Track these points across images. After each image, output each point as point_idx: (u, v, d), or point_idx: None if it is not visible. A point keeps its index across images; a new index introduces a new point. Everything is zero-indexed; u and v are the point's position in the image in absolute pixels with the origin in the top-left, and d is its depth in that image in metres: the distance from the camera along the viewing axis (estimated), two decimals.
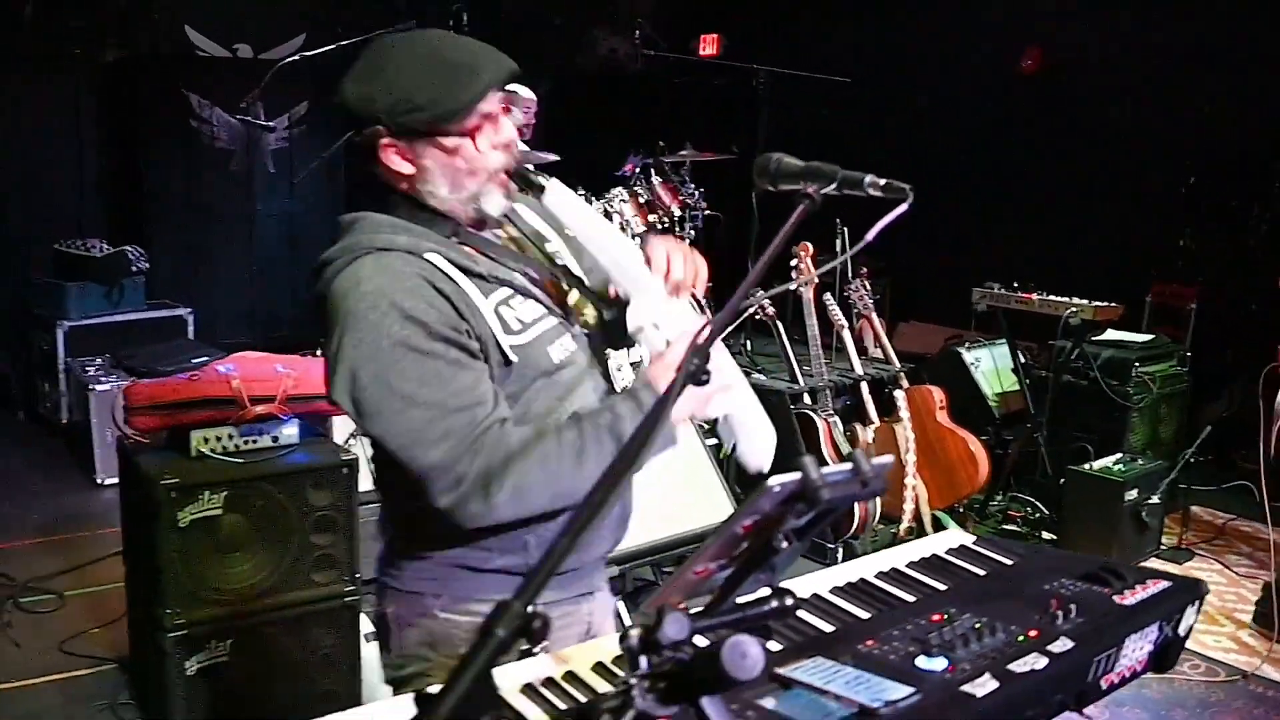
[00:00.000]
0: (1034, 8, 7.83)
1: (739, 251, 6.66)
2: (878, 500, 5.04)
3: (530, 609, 1.11)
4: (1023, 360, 5.82)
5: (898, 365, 5.48)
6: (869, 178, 1.67)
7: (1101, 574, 1.86)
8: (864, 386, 5.40)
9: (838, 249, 6.50)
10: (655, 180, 6.29)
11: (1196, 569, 5.10)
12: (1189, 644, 4.32)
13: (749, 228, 6.59)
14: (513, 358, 1.87)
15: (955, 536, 2.13)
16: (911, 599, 1.79)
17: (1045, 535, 5.35)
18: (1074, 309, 5.23)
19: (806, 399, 5.21)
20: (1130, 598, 1.79)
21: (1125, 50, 7.31)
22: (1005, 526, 5.46)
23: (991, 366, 6.08)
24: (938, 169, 8.23)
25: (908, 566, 1.96)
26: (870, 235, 1.58)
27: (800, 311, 5.42)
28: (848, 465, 1.38)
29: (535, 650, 1.63)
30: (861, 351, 5.71)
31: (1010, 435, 5.83)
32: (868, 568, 1.94)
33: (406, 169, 1.87)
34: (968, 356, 6.17)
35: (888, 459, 1.47)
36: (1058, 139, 7.61)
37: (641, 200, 6.16)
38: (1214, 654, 4.37)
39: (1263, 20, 6.51)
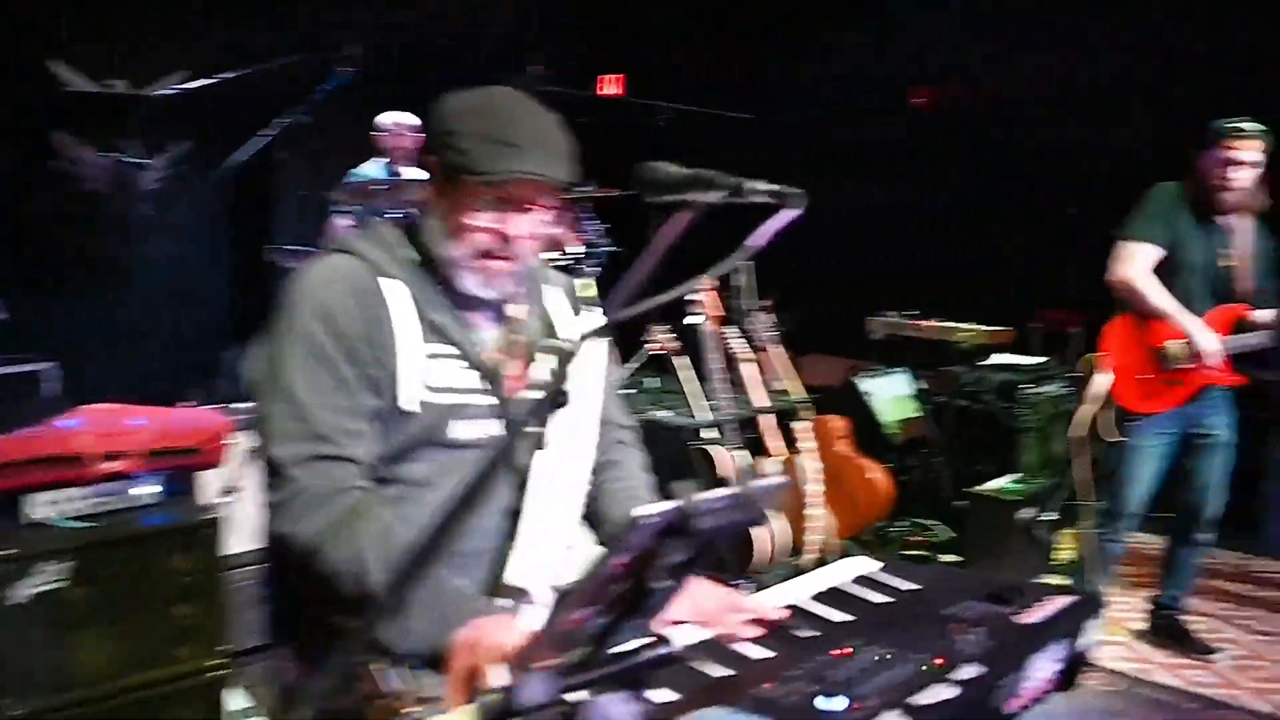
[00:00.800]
0: (928, 45, 7.96)
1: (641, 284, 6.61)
2: (783, 532, 5.03)
3: None
4: (921, 387, 5.88)
5: (801, 397, 5.48)
6: (758, 184, 1.60)
7: (1003, 594, 1.85)
8: (767, 419, 5.39)
9: (735, 282, 6.53)
10: None
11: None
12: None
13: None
14: (409, 408, 1.84)
15: (858, 565, 2.11)
16: (812, 634, 1.75)
17: (946, 558, 5.37)
18: (965, 334, 5.29)
19: (708, 433, 5.17)
20: (1032, 616, 1.78)
21: (1014, 84, 7.47)
22: (906, 552, 5.47)
23: (888, 395, 6.12)
24: (838, 201, 8.33)
25: (810, 600, 1.91)
26: (756, 239, 1.53)
27: (703, 346, 5.39)
28: (728, 490, 1.30)
29: None
30: (764, 385, 5.70)
31: (910, 461, 5.86)
32: (766, 603, 1.89)
33: (433, 195, 1.94)
34: (863, 386, 6.20)
35: (780, 479, 1.42)
36: (951, 171, 7.73)
37: None
38: (1110, 663, 4.42)
39: (1142, 52, 6.69)
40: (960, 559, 5.29)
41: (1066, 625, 1.81)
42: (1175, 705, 4.16)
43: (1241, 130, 4.12)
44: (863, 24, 8.15)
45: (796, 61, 8.65)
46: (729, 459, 5.06)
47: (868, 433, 6.07)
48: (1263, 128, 4.13)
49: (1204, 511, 4.47)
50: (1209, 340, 4.17)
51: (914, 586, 1.96)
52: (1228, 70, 6.32)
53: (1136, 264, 4.26)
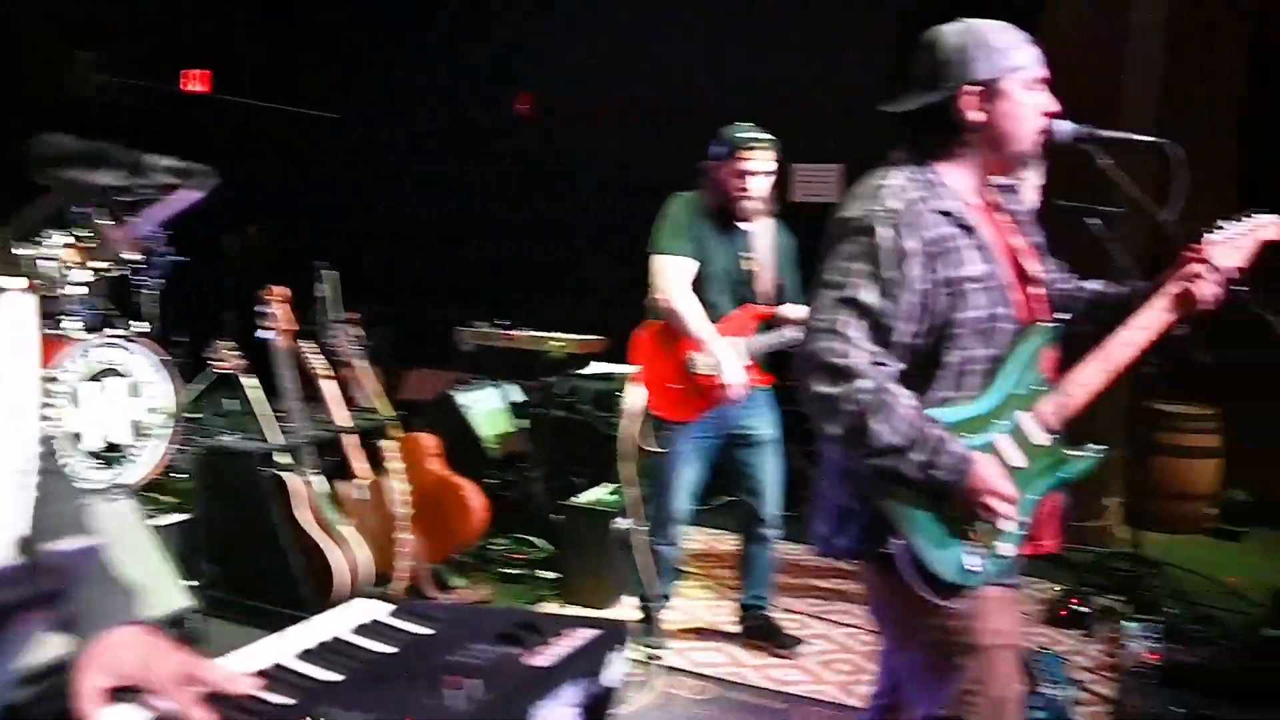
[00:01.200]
0: (526, 51, 7.85)
1: (208, 296, 6.12)
2: (366, 559, 4.71)
3: None
4: (519, 399, 5.72)
5: (387, 414, 5.17)
6: (160, 160, 1.40)
7: (516, 633, 1.63)
8: (350, 439, 5.05)
9: (318, 291, 6.14)
10: (106, 221, 5.43)
11: (688, 588, 5.16)
12: (679, 660, 4.36)
13: (225, 271, 6.10)
14: None
15: (368, 609, 1.84)
16: (286, 703, 1.45)
17: (548, 574, 5.22)
18: (555, 344, 5.16)
19: (282, 459, 4.77)
20: (544, 656, 1.57)
21: (605, 95, 7.48)
22: (506, 570, 5.27)
23: (489, 408, 5.92)
24: (436, 211, 8.10)
25: (296, 657, 1.62)
26: (154, 217, 1.23)
27: (276, 363, 4.97)
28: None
29: None
30: (351, 403, 5.36)
31: (510, 476, 5.68)
32: (244, 664, 1.58)
33: None
34: (462, 399, 5.97)
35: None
36: (545, 179, 7.66)
37: (88, 244, 5.34)
38: (703, 669, 4.39)
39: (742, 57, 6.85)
40: (560, 574, 5.15)
41: (586, 662, 1.62)
42: (764, 706, 4.16)
43: (754, 141, 4.21)
44: (465, 29, 7.99)
45: (387, 61, 8.37)
46: (302, 486, 4.68)
47: (467, 448, 5.87)
48: (771, 137, 4.25)
49: (763, 509, 4.53)
50: (735, 374, 4.20)
51: (425, 632, 1.72)
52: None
53: (674, 279, 4.24)
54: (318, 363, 5.04)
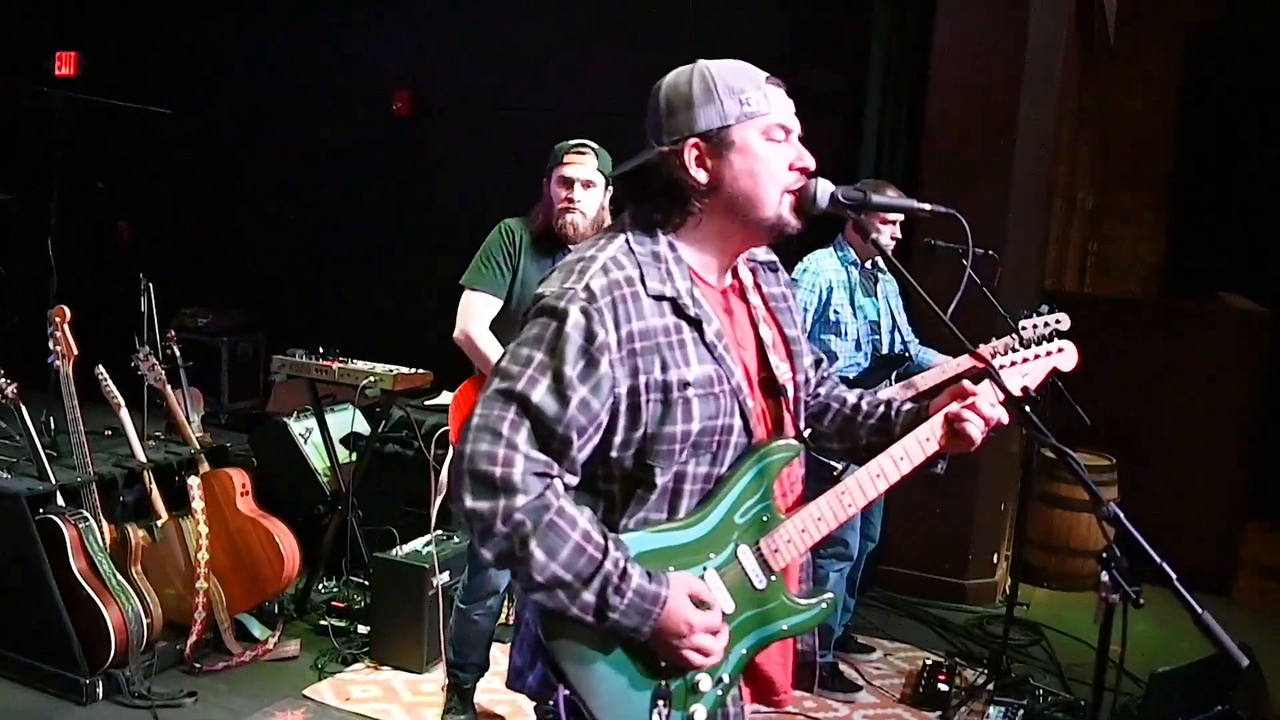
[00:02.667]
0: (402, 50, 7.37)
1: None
2: (148, 614, 4.23)
3: None
4: (358, 431, 5.25)
5: (196, 447, 4.68)
6: None
7: None
8: (149, 476, 4.57)
9: (142, 305, 5.67)
10: None
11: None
12: None
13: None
14: None
15: None
16: None
17: (364, 629, 4.73)
18: (372, 379, 4.67)
19: (59, 500, 4.28)
20: None
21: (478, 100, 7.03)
22: (329, 620, 4.77)
23: (324, 438, 5.40)
24: (307, 218, 7.64)
25: None
26: None
27: (63, 389, 4.47)
28: None
29: None
30: (175, 430, 4.89)
31: (338, 514, 5.19)
32: None
33: None
34: (297, 427, 5.48)
35: None
36: (419, 183, 7.20)
37: None
38: None
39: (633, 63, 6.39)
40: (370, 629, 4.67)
41: None
42: None
43: (577, 147, 3.76)
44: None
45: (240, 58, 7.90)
46: (77, 532, 4.18)
47: (294, 480, 5.39)
48: (597, 146, 3.78)
49: None
50: None
51: None
52: None
53: (473, 315, 3.79)
54: (111, 390, 4.56)
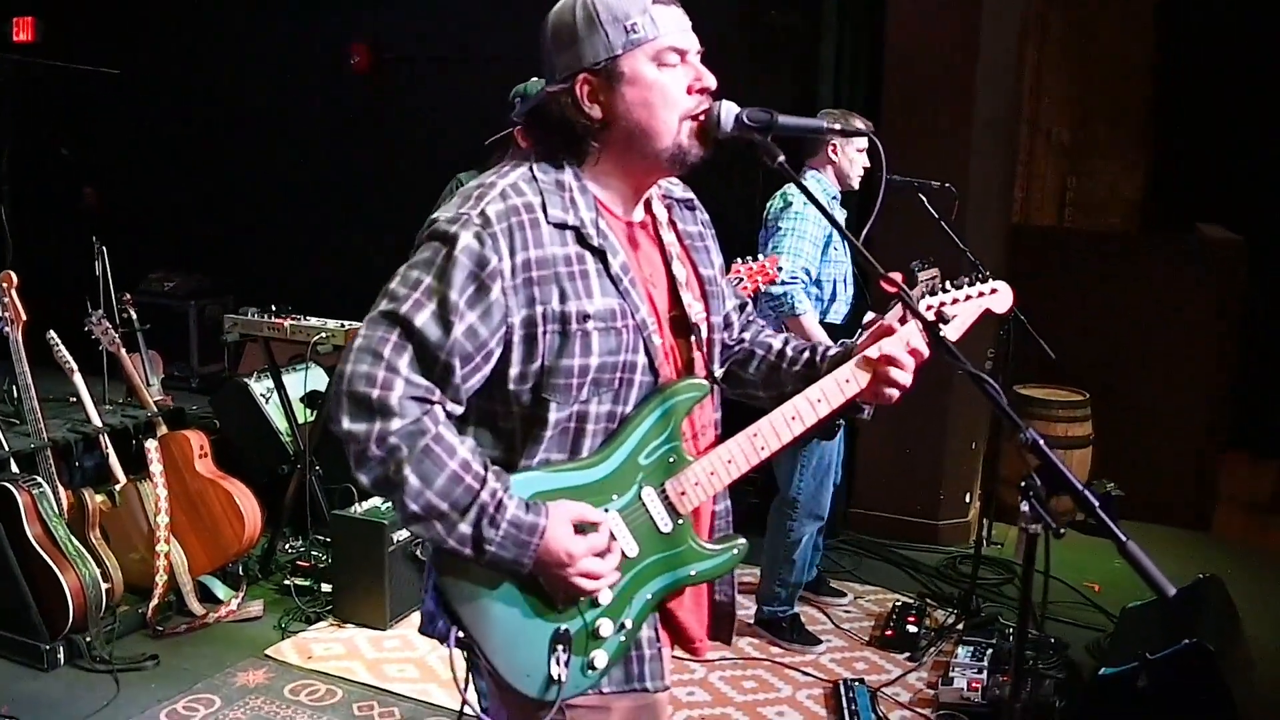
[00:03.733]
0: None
1: None
2: (107, 579, 4.19)
3: None
4: (318, 389, 5.19)
5: (153, 410, 4.62)
6: None
7: None
8: (105, 440, 4.52)
9: (98, 270, 5.61)
10: None
11: None
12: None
13: None
14: None
15: None
16: None
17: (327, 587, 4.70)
18: (324, 334, 4.61)
19: (13, 467, 4.23)
20: None
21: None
22: (293, 580, 4.74)
23: (287, 397, 5.34)
24: (269, 178, 7.55)
25: None
26: None
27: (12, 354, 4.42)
28: None
29: None
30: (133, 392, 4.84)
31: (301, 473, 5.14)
32: None
33: None
34: (258, 388, 5.42)
35: None
36: (380, 136, 7.10)
37: None
38: None
39: None
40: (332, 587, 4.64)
41: None
42: None
43: None
44: None
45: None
46: (31, 499, 4.13)
47: (257, 440, 5.35)
48: None
49: None
50: None
51: None
52: None
53: None
54: (64, 354, 4.51)
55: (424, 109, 6.93)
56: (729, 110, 1.79)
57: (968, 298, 2.11)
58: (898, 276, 1.94)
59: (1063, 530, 1.76)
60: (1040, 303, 5.17)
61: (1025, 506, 1.81)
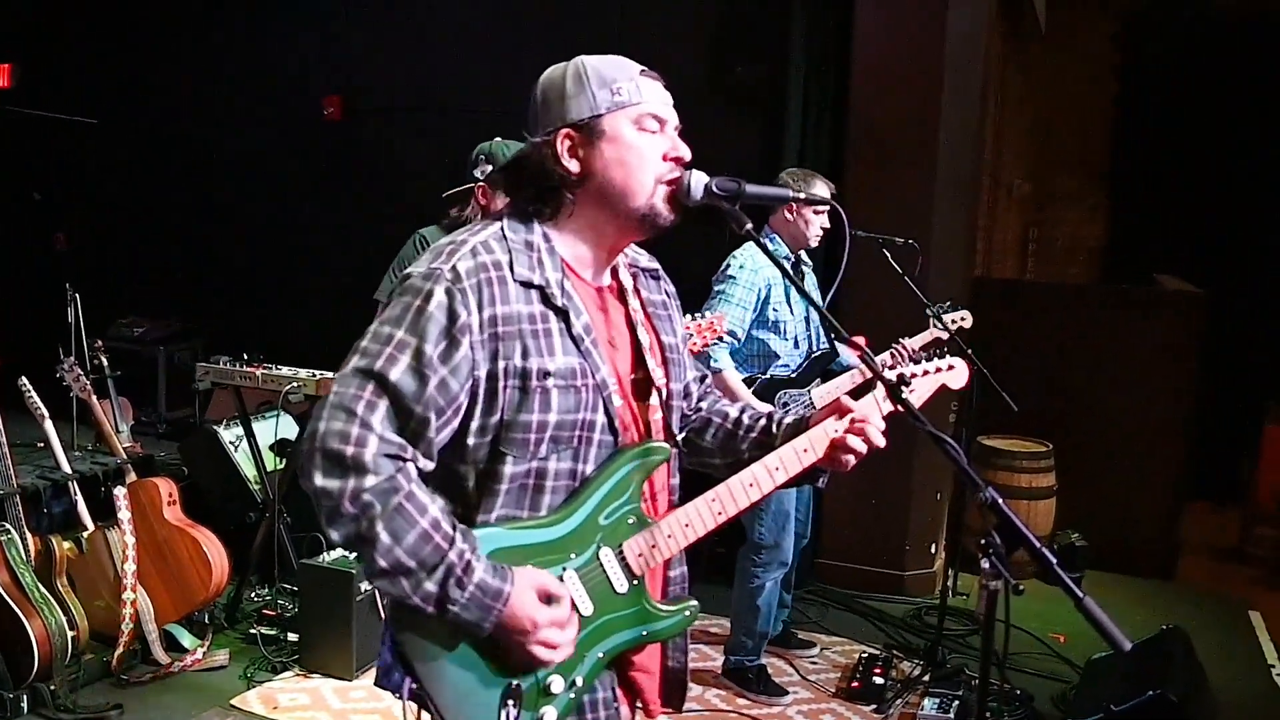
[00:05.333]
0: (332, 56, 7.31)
1: None
2: (73, 627, 4.16)
3: None
4: (288, 437, 5.21)
5: (122, 457, 4.61)
6: None
7: None
8: (74, 486, 4.52)
9: (70, 316, 5.62)
10: None
11: None
12: None
13: None
14: None
15: None
16: None
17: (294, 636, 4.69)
18: (295, 384, 4.62)
19: None
20: None
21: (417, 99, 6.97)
22: (259, 629, 4.73)
23: (254, 445, 5.34)
24: (241, 225, 7.57)
25: None
26: None
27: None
28: None
29: None
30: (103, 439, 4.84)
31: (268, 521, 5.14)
32: None
33: None
34: (227, 435, 5.43)
35: None
36: (352, 187, 7.15)
37: None
38: None
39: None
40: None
41: None
42: None
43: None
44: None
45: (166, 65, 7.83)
46: None
47: (226, 488, 5.35)
48: None
49: None
50: None
51: None
52: None
53: None
54: (35, 401, 4.51)
55: (395, 160, 6.98)
56: (699, 179, 1.85)
57: (925, 373, 2.19)
58: (861, 340, 1.99)
59: (1022, 587, 1.81)
60: (1003, 354, 5.27)
61: (986, 564, 1.86)
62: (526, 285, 1.78)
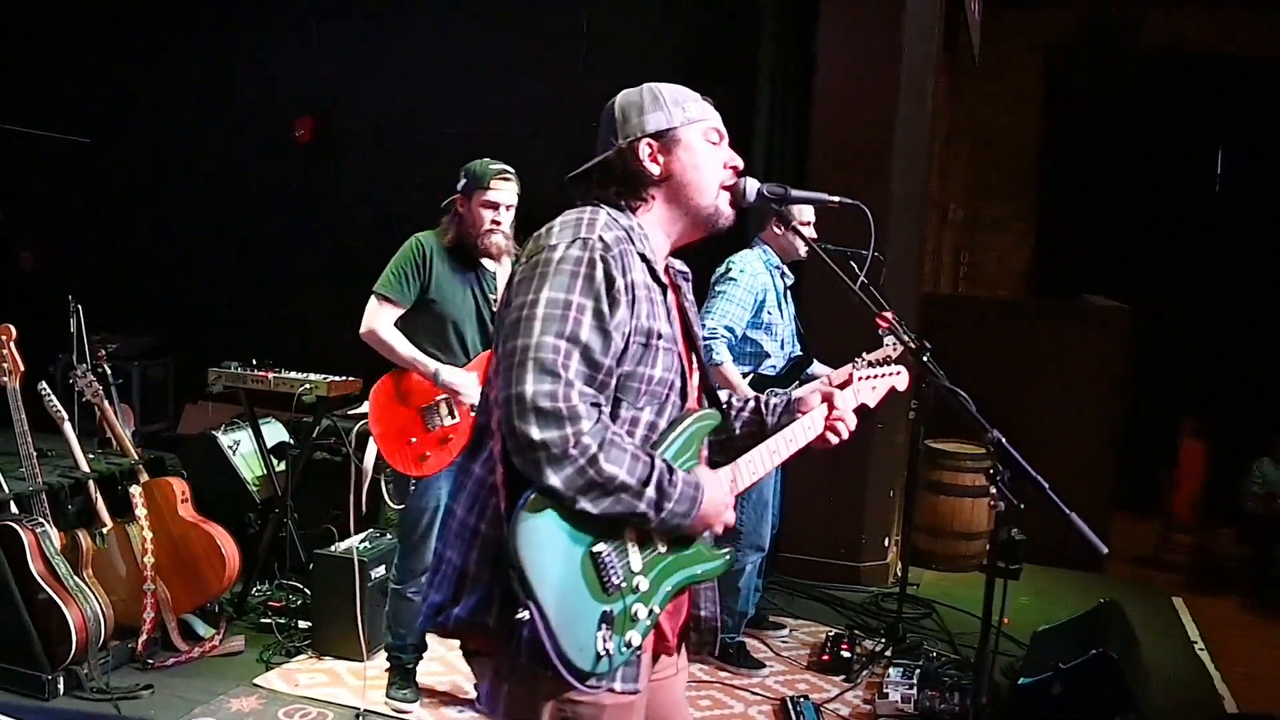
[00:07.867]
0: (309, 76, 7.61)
1: None
2: (103, 615, 4.43)
3: None
4: (285, 440, 5.52)
5: (135, 458, 4.89)
6: None
7: None
8: (93, 485, 4.78)
9: (71, 325, 5.84)
10: None
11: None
12: (430, 716, 4.19)
13: None
14: None
15: None
16: None
17: (306, 623, 4.99)
18: (308, 385, 4.95)
19: (14, 508, 4.47)
20: None
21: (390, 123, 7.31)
22: (270, 618, 5.03)
23: (254, 448, 5.65)
24: (212, 243, 7.81)
25: None
26: None
27: (11, 405, 4.66)
28: None
29: None
30: (106, 444, 5.12)
31: (271, 520, 5.43)
32: None
33: None
34: (225, 439, 5.72)
35: None
36: (324, 207, 7.45)
37: None
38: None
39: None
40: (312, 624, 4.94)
41: None
42: None
43: (502, 173, 4.12)
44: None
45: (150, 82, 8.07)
46: (34, 537, 4.38)
47: (225, 490, 5.62)
48: (513, 170, 4.17)
49: None
50: (466, 381, 4.11)
51: None
52: None
53: (378, 317, 4.13)
54: (54, 405, 4.77)
55: (367, 179, 7.31)
56: (752, 184, 2.28)
57: (884, 375, 2.69)
58: (890, 315, 2.43)
59: (1022, 505, 2.23)
60: (947, 366, 5.72)
61: (993, 490, 2.29)
62: (641, 257, 2.14)
